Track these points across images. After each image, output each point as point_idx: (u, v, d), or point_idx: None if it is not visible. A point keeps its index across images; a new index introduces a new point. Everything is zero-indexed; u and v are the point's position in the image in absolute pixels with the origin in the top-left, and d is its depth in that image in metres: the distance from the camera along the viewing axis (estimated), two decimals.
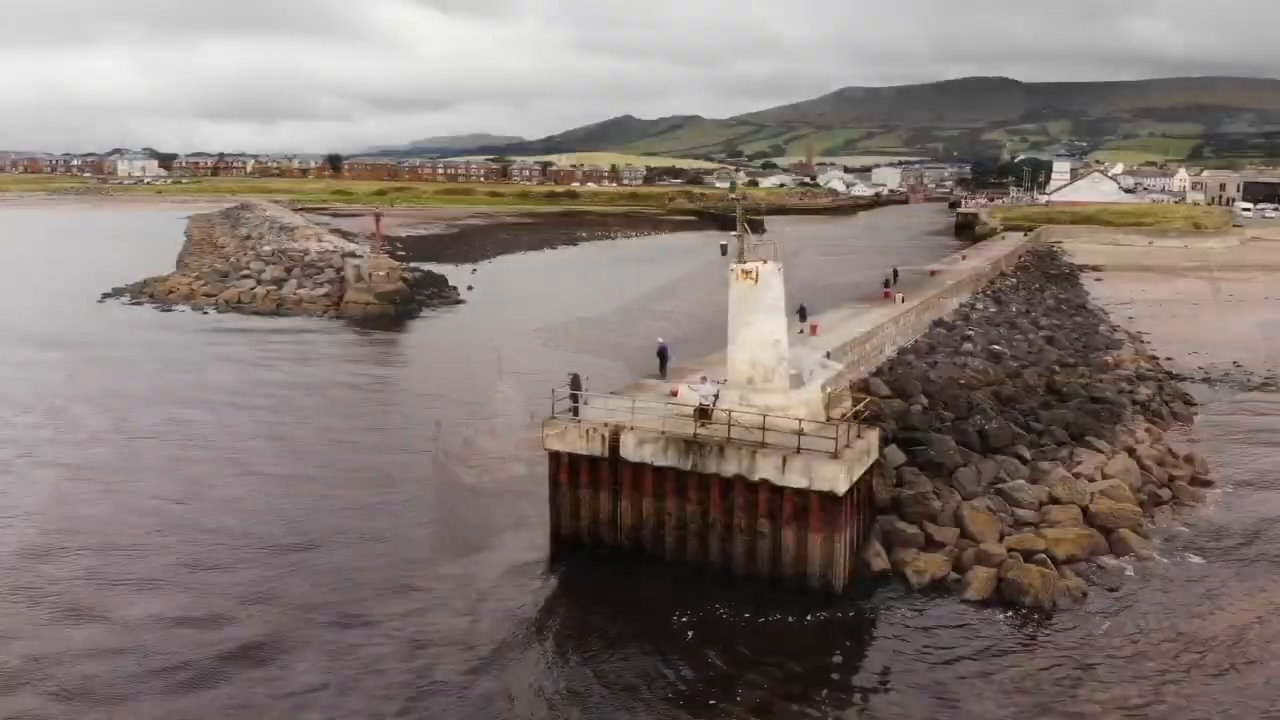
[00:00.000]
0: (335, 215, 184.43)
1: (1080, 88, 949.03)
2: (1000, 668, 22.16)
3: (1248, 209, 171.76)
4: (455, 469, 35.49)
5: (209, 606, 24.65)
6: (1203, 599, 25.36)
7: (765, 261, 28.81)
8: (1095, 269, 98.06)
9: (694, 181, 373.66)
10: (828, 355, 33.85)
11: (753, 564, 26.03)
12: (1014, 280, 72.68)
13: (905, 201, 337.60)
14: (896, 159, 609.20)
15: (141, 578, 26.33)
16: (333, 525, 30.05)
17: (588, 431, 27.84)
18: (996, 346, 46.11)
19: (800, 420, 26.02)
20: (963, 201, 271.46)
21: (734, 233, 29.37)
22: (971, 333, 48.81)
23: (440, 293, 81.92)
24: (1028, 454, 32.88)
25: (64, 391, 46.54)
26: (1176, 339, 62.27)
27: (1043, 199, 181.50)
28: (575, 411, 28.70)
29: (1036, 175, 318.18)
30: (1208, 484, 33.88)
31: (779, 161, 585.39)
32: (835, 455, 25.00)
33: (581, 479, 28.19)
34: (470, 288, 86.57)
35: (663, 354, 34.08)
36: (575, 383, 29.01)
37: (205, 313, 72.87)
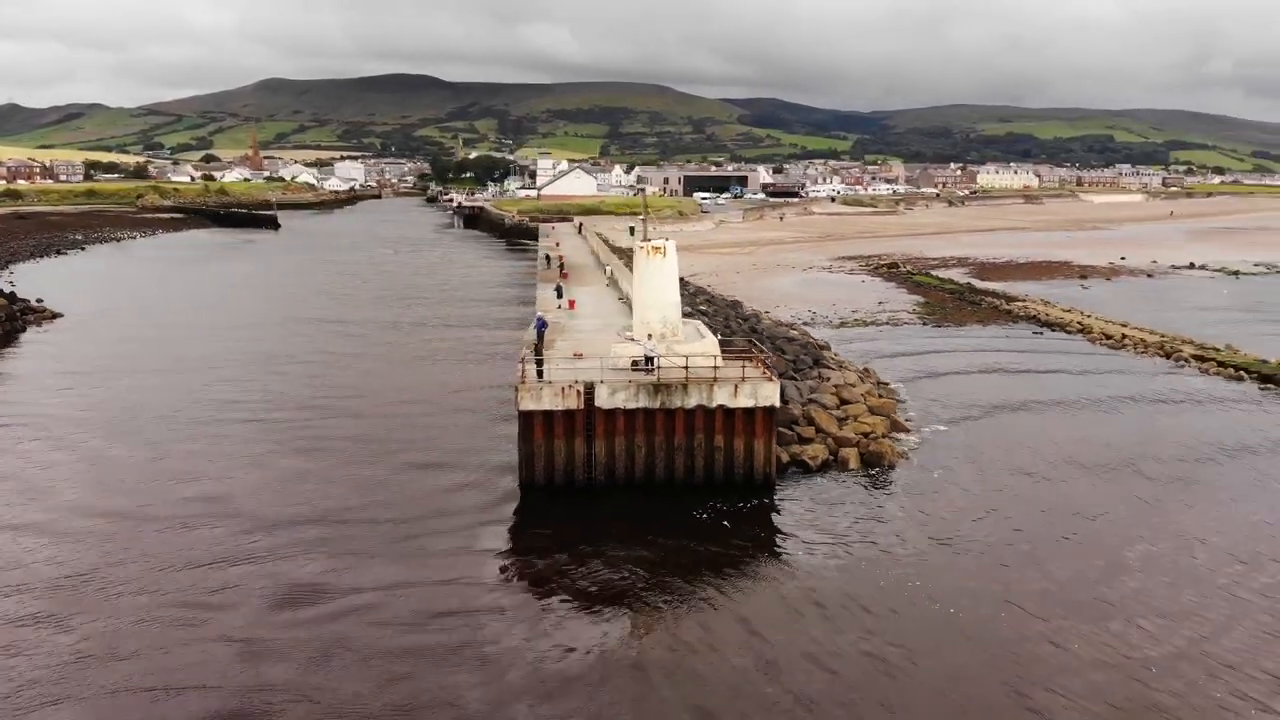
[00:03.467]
0: None
1: (501, 89, 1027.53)
2: (890, 505, 32.91)
3: (706, 198, 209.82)
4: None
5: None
6: (972, 445, 38.95)
7: (668, 239, 36.48)
8: None
9: (140, 175, 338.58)
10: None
11: (711, 473, 33.82)
12: (622, 261, 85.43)
13: (379, 196, 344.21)
14: (338, 153, 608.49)
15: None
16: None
17: (562, 390, 33.03)
18: (702, 308, 57.81)
19: (711, 357, 34.53)
20: (439, 196, 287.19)
21: (640, 216, 36.59)
22: None
23: (30, 308, 72.23)
24: (796, 376, 44.63)
25: None
26: (753, 299, 79.95)
27: (534, 193, 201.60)
28: (540, 374, 33.65)
29: (493, 172, 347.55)
30: (888, 384, 48.81)
31: (219, 155, 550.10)
32: (770, 379, 33.96)
33: (556, 431, 33.34)
34: (40, 300, 76.89)
35: (541, 328, 39.47)
36: (538, 350, 33.85)
37: None
